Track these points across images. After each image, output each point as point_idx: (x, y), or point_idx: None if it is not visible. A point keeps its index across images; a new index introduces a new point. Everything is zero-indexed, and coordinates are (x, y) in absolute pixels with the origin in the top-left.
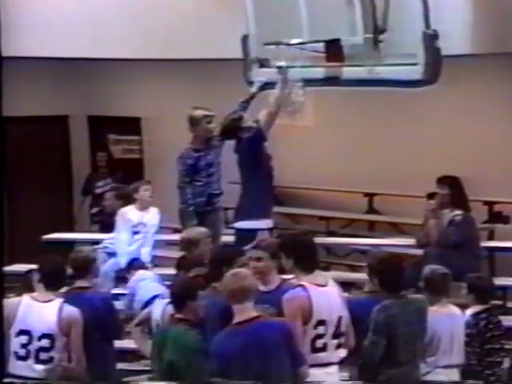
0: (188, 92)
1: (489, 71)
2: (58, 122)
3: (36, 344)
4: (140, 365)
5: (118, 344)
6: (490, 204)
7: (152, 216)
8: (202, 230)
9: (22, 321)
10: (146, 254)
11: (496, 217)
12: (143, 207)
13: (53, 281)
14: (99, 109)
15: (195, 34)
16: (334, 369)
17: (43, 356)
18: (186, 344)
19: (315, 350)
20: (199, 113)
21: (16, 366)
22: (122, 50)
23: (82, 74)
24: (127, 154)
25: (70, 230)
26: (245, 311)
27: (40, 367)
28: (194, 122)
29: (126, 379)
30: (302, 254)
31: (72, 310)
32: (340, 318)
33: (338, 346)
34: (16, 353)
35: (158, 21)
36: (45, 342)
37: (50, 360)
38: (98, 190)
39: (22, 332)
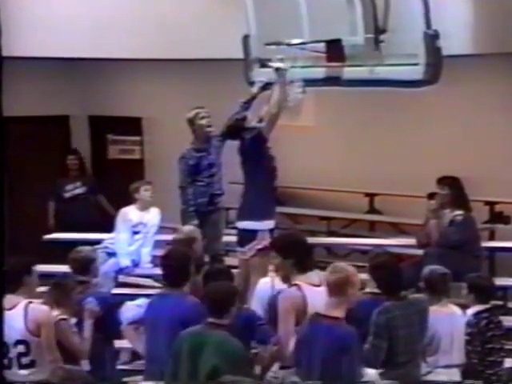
0: (189, 92)
1: (490, 71)
2: (58, 123)
3: (14, 351)
4: (139, 365)
5: (119, 344)
6: (490, 204)
7: (152, 216)
8: (194, 228)
9: None
10: (146, 254)
11: (497, 217)
12: (144, 207)
13: (11, 281)
14: (100, 109)
15: (196, 34)
16: None
17: (25, 361)
18: (233, 350)
19: None
20: (192, 112)
21: (6, 374)
22: (123, 50)
23: (83, 74)
24: (127, 154)
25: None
26: (330, 308)
27: (24, 372)
28: (189, 122)
29: (126, 379)
30: (299, 254)
31: (38, 310)
32: None
33: None
34: None
35: (159, 21)
36: (21, 348)
37: (32, 363)
38: (67, 194)
39: None
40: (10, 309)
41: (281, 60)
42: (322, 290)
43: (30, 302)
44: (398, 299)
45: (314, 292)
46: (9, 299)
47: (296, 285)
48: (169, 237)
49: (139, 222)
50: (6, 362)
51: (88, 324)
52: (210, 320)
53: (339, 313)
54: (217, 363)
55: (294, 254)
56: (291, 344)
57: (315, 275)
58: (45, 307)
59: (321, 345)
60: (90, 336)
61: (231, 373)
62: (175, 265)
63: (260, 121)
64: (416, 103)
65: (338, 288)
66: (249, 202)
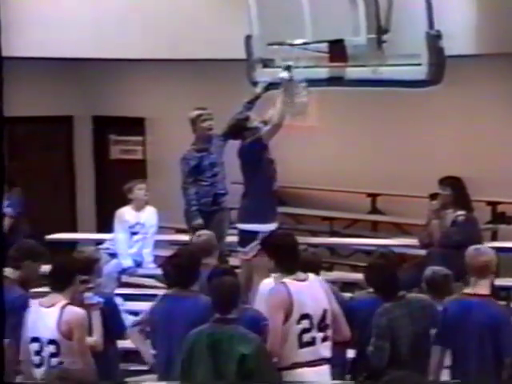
0: (192, 92)
1: (492, 72)
2: (62, 123)
3: (47, 350)
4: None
5: (121, 344)
6: (493, 204)
7: (149, 216)
8: (209, 233)
9: (32, 328)
10: (148, 255)
11: (499, 217)
12: (139, 207)
13: (56, 281)
14: (103, 109)
15: (199, 34)
16: (325, 368)
17: (54, 362)
18: (256, 339)
19: (303, 344)
20: (194, 112)
21: (36, 373)
22: (126, 50)
23: (86, 74)
24: (129, 155)
25: (73, 230)
26: (477, 287)
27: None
28: (191, 122)
29: (128, 379)
30: (284, 256)
31: (72, 313)
32: (325, 311)
33: (325, 339)
34: (31, 360)
35: (162, 21)
36: (52, 348)
37: (60, 365)
38: None
39: (33, 339)
40: (49, 307)
41: (286, 68)
42: (308, 284)
43: (69, 304)
44: (396, 299)
45: (300, 287)
46: (52, 297)
47: (282, 283)
48: (171, 237)
49: (136, 222)
50: (38, 360)
51: (96, 316)
52: (220, 316)
53: (487, 291)
54: (245, 352)
55: (277, 256)
56: (280, 341)
57: (300, 273)
58: (80, 310)
59: (475, 321)
60: (101, 326)
61: (258, 361)
62: (184, 265)
63: (262, 122)
64: (418, 103)
65: (484, 269)
66: (248, 205)
